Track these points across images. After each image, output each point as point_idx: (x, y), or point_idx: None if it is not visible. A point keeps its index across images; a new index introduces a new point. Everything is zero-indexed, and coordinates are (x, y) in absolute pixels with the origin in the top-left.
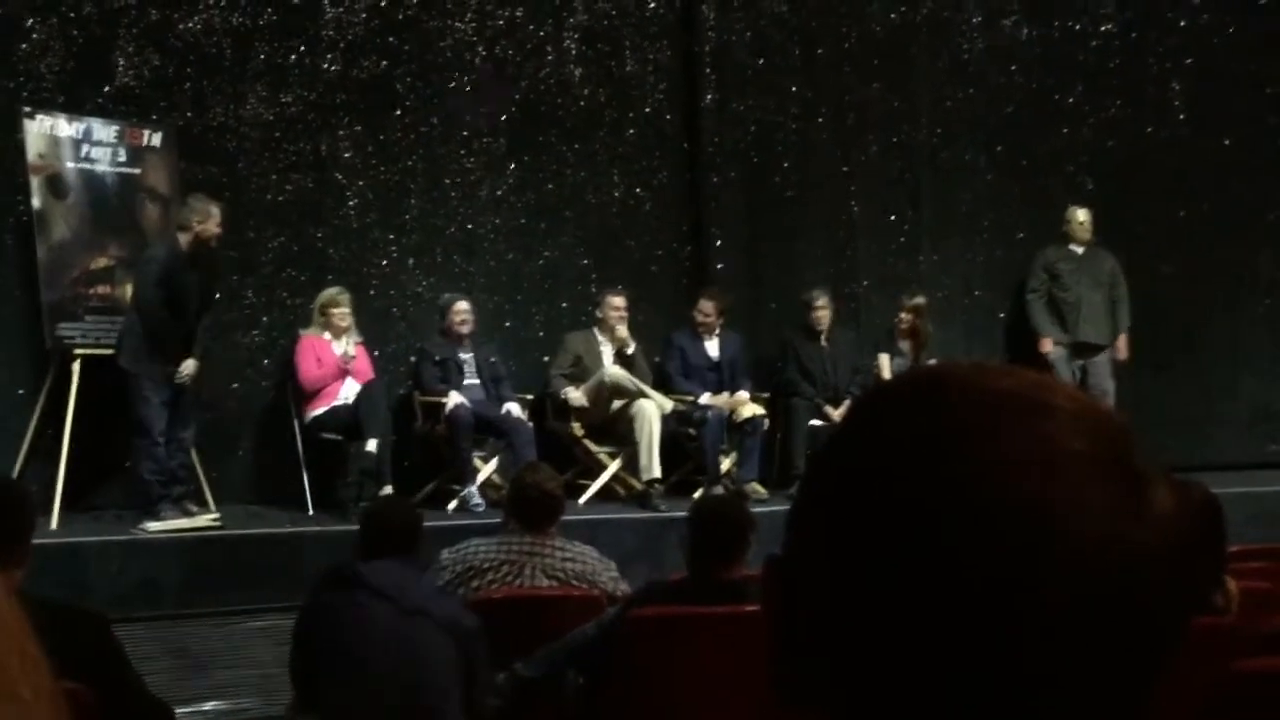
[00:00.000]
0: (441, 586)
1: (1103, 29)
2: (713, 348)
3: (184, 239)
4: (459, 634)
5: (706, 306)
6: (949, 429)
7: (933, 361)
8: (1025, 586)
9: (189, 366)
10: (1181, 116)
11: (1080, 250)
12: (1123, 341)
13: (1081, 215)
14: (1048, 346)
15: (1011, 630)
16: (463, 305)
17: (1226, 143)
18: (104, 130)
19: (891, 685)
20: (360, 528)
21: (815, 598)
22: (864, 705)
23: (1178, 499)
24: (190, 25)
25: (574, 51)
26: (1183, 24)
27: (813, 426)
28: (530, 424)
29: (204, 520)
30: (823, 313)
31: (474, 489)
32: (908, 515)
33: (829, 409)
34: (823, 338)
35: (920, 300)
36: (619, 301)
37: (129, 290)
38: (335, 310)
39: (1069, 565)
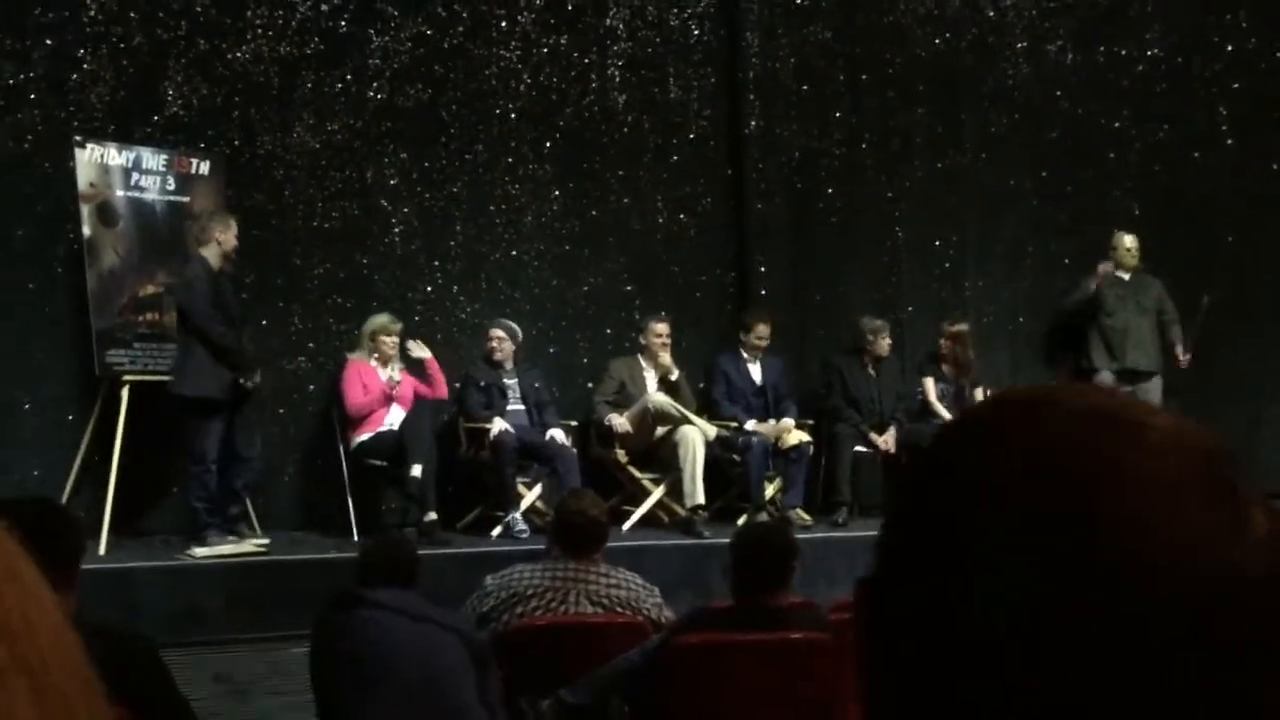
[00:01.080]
0: (485, 613)
1: (1149, 54)
2: (756, 372)
3: (211, 254)
4: (470, 645)
5: (764, 330)
6: (1046, 445)
7: (979, 388)
8: (1124, 606)
9: (257, 375)
10: (1229, 141)
11: (1126, 276)
12: (1183, 363)
13: (1129, 241)
14: (1105, 379)
15: (1110, 646)
16: (497, 332)
17: (1275, 167)
18: (153, 159)
19: (988, 702)
20: (359, 563)
21: (909, 616)
22: None
23: (1275, 522)
24: (238, 55)
25: (618, 79)
26: (1229, 48)
27: (857, 453)
28: (574, 450)
29: (250, 546)
30: (884, 343)
31: (518, 515)
32: (1003, 533)
33: (874, 435)
34: (870, 365)
35: (961, 327)
36: (662, 328)
37: (176, 319)
38: (386, 339)
39: (1168, 586)
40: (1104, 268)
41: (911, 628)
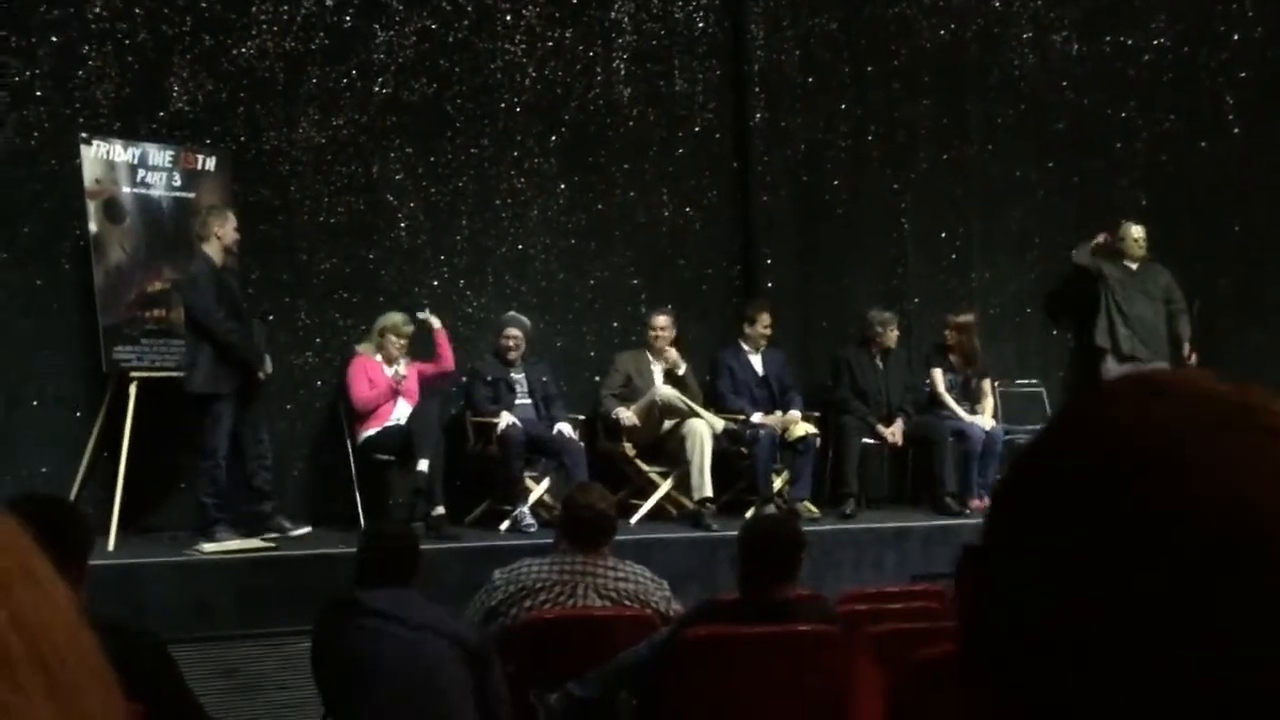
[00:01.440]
0: (493, 607)
1: (1155, 43)
2: (758, 363)
3: (212, 249)
4: (466, 649)
5: (768, 319)
6: (1170, 434)
7: (986, 379)
8: (1254, 600)
9: (268, 364)
10: (1236, 130)
11: (1134, 266)
12: (1187, 350)
13: (1136, 232)
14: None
15: (1247, 640)
16: (514, 331)
17: None
18: (159, 155)
19: (1089, 680)
20: (356, 559)
21: (1018, 587)
22: (1061, 697)
23: None
24: (243, 51)
25: (623, 72)
26: (1236, 37)
27: (865, 445)
28: (582, 444)
29: (258, 541)
30: (893, 334)
31: (526, 509)
32: (1127, 514)
33: (881, 427)
34: (877, 357)
35: (967, 318)
36: (661, 321)
37: (183, 315)
38: (396, 340)
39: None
40: (1103, 238)
41: (1019, 604)
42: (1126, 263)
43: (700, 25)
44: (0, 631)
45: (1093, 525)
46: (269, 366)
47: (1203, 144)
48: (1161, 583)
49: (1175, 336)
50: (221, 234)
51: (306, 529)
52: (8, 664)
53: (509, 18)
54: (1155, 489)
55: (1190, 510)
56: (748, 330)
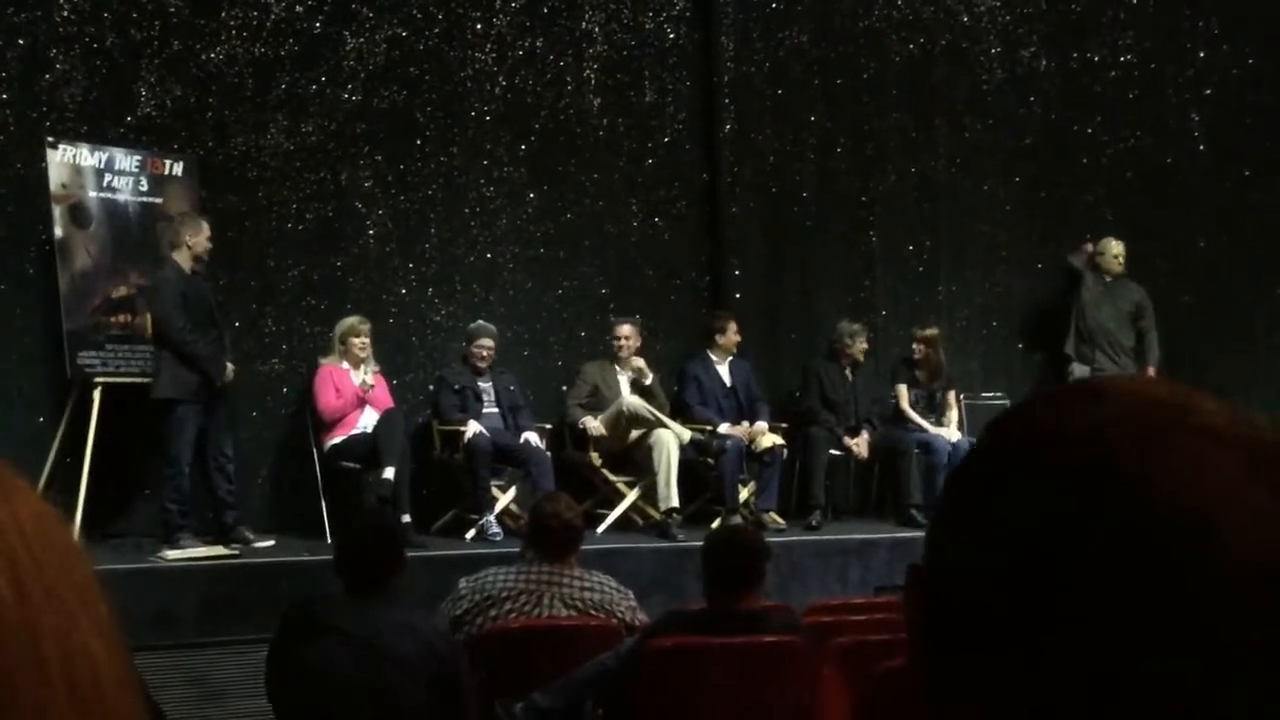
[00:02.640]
0: (459, 616)
1: (1122, 59)
2: (725, 373)
3: (182, 257)
4: (431, 669)
5: (735, 327)
6: (1104, 437)
7: (951, 391)
8: (1183, 598)
9: (231, 371)
10: (1201, 147)
11: (1108, 279)
12: (1151, 373)
13: (1116, 248)
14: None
15: (1171, 642)
16: (486, 341)
17: (1246, 173)
18: (126, 160)
19: (1043, 689)
20: (339, 547)
21: (963, 604)
22: (1014, 708)
23: None
24: (212, 56)
25: (593, 81)
26: (1202, 55)
27: (831, 456)
28: (549, 453)
29: (222, 549)
30: (861, 346)
31: (492, 518)
32: (1065, 524)
33: (847, 439)
34: (847, 369)
35: (932, 331)
36: (625, 330)
37: (150, 320)
38: (355, 340)
39: (1229, 578)
40: (1089, 247)
41: (959, 616)
42: (1104, 275)
43: (671, 36)
44: (45, 662)
45: (1029, 533)
46: (230, 375)
47: (1168, 160)
48: (1098, 583)
49: (1141, 355)
50: (193, 243)
51: (270, 541)
52: (45, 705)
53: (479, 26)
54: (1090, 493)
55: (1124, 511)
56: (718, 340)
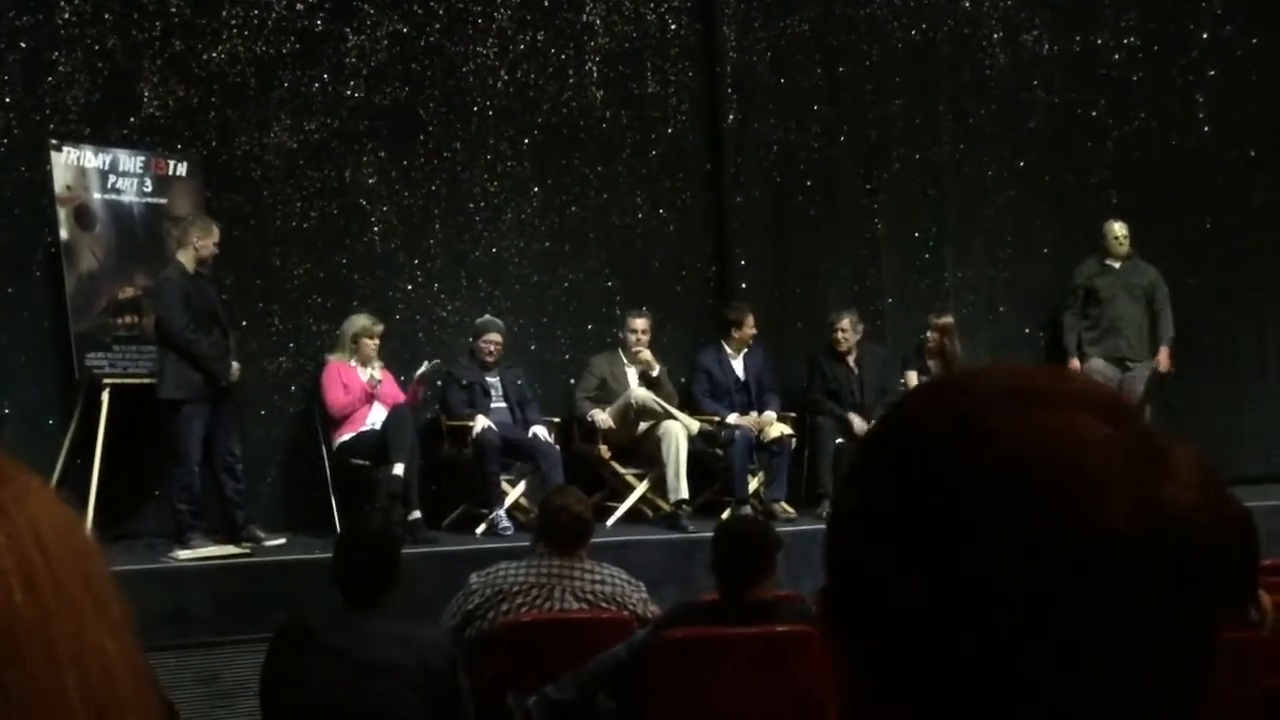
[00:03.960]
0: (470, 610)
1: (1125, 42)
2: (739, 365)
3: (187, 258)
4: (427, 683)
5: (752, 321)
6: (969, 416)
7: None
8: (1061, 550)
9: (236, 370)
10: (1206, 128)
11: (1117, 265)
12: (1164, 354)
13: (1118, 229)
14: (1074, 365)
15: (1053, 592)
16: (494, 336)
17: (1252, 153)
18: (130, 161)
19: (957, 680)
20: (335, 560)
21: (858, 614)
22: (932, 702)
23: (1198, 464)
24: (214, 55)
25: (596, 74)
26: (1205, 35)
27: (839, 445)
28: (557, 447)
29: (233, 548)
30: (844, 334)
31: (502, 512)
32: (940, 502)
33: (853, 416)
34: (850, 358)
35: (947, 319)
36: (639, 324)
37: (154, 322)
38: (369, 341)
39: (1103, 528)
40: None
41: (863, 625)
42: (1109, 261)
43: (672, 28)
44: (60, 669)
45: (915, 516)
46: (235, 374)
47: (1173, 141)
48: (987, 550)
49: (1154, 337)
50: (200, 245)
51: (281, 540)
52: (59, 709)
53: (481, 21)
54: (968, 466)
55: (1003, 475)
56: (735, 334)
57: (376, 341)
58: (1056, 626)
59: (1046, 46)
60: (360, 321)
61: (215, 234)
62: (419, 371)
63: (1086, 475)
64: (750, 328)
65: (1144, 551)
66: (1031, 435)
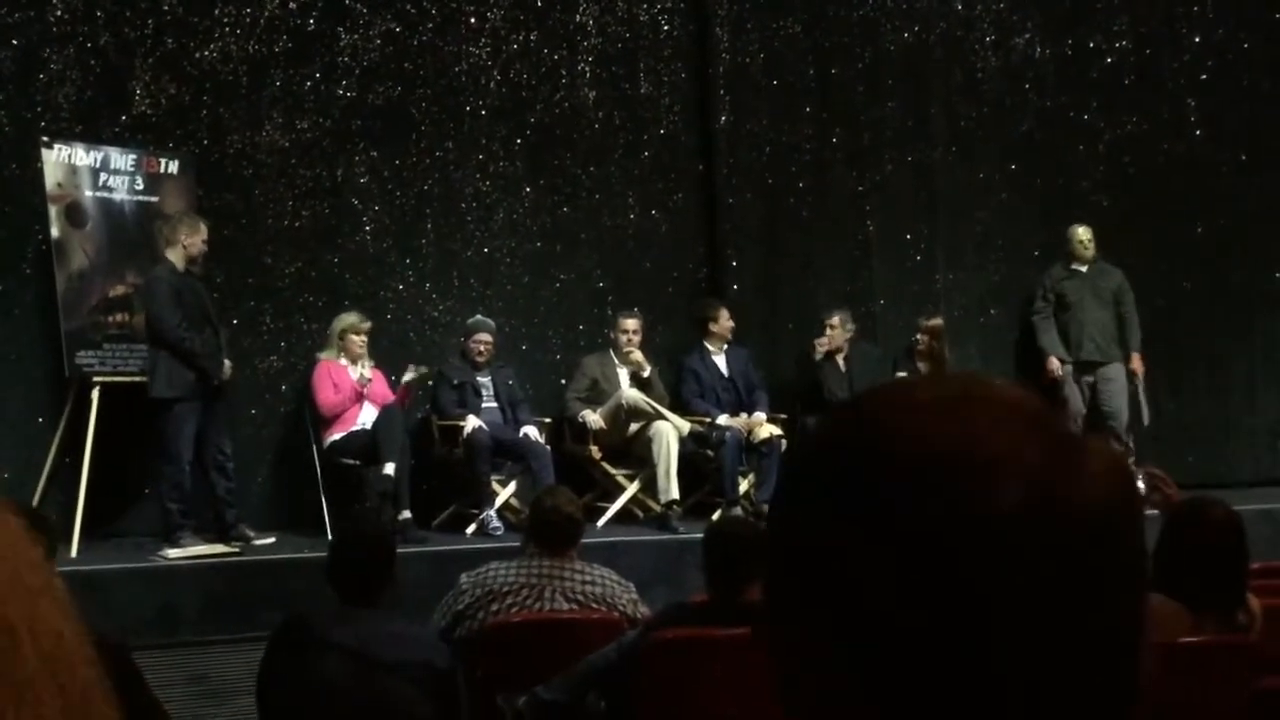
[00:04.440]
0: (460, 611)
1: (1117, 45)
2: (722, 363)
3: (176, 256)
4: (430, 681)
5: (724, 314)
6: (877, 421)
7: None
8: (969, 538)
9: (228, 368)
10: (1198, 133)
11: (1084, 269)
12: (1136, 359)
13: (1083, 234)
14: (1054, 366)
15: (959, 585)
16: (484, 336)
17: (1243, 158)
18: (121, 159)
19: (883, 680)
20: (329, 560)
21: (786, 616)
22: (868, 702)
23: (1108, 462)
24: (206, 53)
25: (588, 75)
26: (1197, 40)
27: None
28: (548, 447)
29: (222, 547)
30: (833, 333)
31: (492, 512)
32: (860, 494)
33: None
34: (840, 358)
35: (937, 322)
36: (631, 324)
37: (145, 320)
38: (355, 337)
39: (1008, 520)
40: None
41: (791, 629)
42: (1075, 266)
43: (665, 28)
44: (21, 646)
45: (845, 513)
46: (227, 373)
47: (1164, 146)
48: (911, 544)
49: (1124, 341)
50: (189, 244)
51: (271, 539)
52: (26, 680)
53: (473, 21)
54: (890, 460)
55: (925, 468)
56: (713, 329)
57: (363, 338)
58: (960, 614)
59: (1038, 50)
60: (347, 319)
61: (203, 232)
62: (405, 378)
63: (979, 457)
64: (726, 321)
65: (1033, 535)
66: (938, 430)
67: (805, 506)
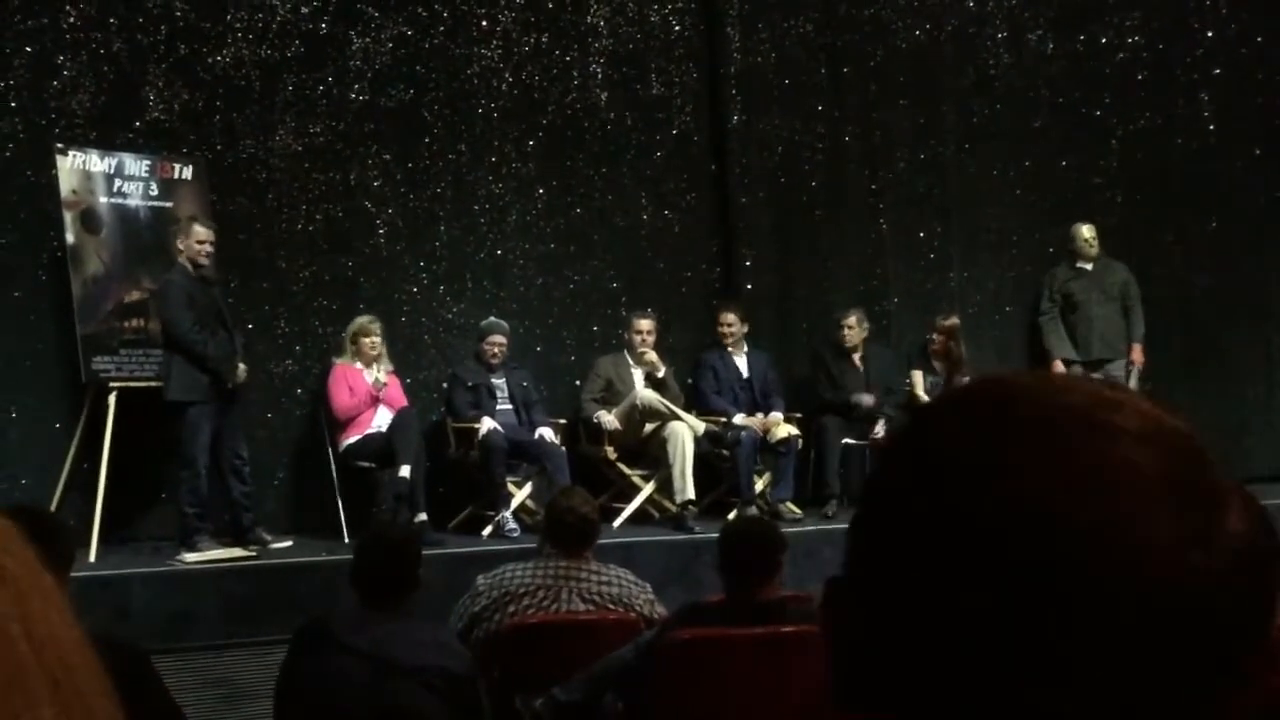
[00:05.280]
0: (477, 613)
1: (1130, 41)
2: (743, 364)
3: (186, 260)
4: (448, 687)
5: (729, 318)
6: (1010, 446)
7: (965, 379)
8: (1088, 610)
9: (243, 372)
10: (1211, 128)
11: (1089, 266)
12: (1137, 351)
13: (1086, 232)
14: (1059, 368)
15: (1076, 650)
16: (498, 338)
17: (1257, 153)
18: (135, 165)
19: (956, 699)
20: (354, 563)
21: (879, 615)
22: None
23: (1249, 515)
24: (219, 59)
25: (600, 75)
26: (1210, 35)
27: (846, 445)
28: (563, 448)
29: (239, 551)
30: (851, 331)
31: (508, 514)
32: (972, 534)
33: (861, 396)
34: (855, 356)
35: (953, 321)
36: (644, 325)
37: (160, 325)
38: (366, 340)
39: (1132, 591)
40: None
41: (876, 627)
42: (1081, 264)
43: (676, 28)
44: (14, 643)
45: (944, 550)
46: (242, 376)
47: (1178, 141)
48: (1008, 596)
49: (1127, 334)
50: (184, 247)
51: (288, 542)
52: (20, 677)
53: (485, 23)
54: (999, 509)
55: (1050, 533)
56: (720, 331)
57: (375, 339)
58: (1077, 670)
59: (1051, 46)
60: (358, 321)
61: (199, 234)
62: None
63: (1120, 533)
64: (731, 324)
65: (1164, 615)
66: (1071, 477)
67: (913, 521)
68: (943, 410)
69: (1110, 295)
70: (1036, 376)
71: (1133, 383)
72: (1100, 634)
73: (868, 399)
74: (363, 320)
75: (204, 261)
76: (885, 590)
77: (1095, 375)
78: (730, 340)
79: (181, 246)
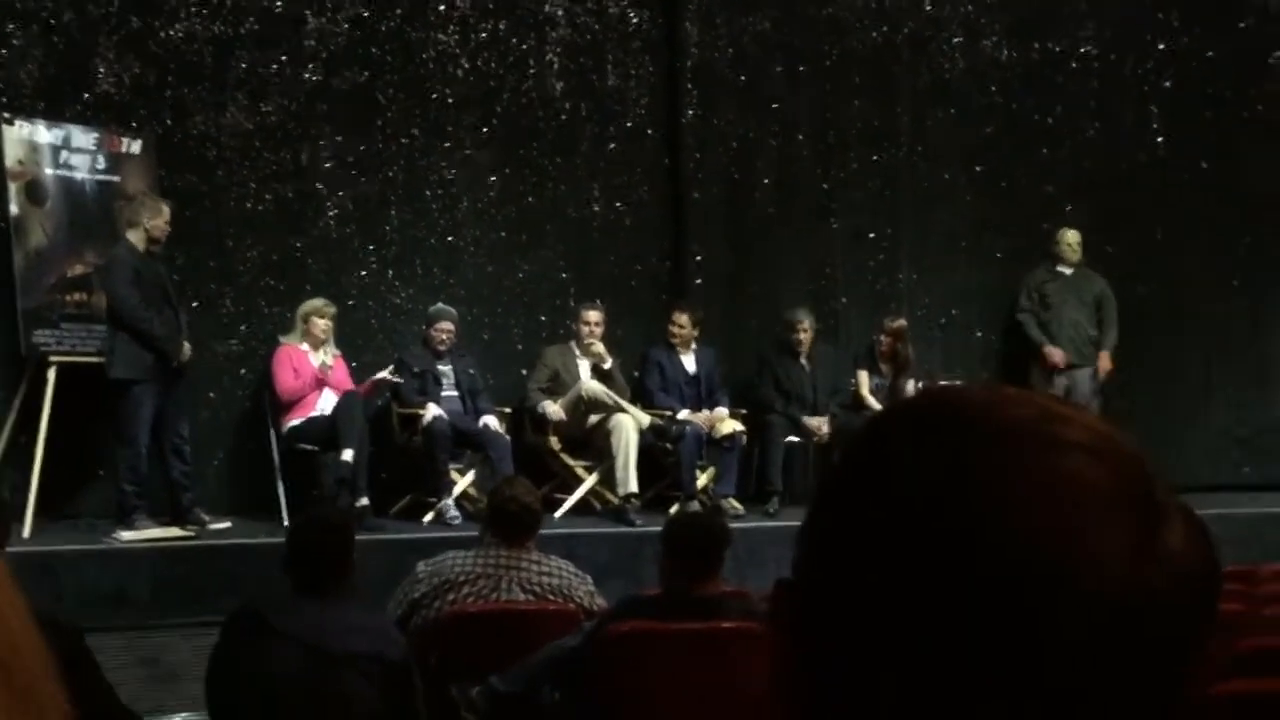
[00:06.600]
0: (416, 599)
1: (1082, 50)
2: (690, 362)
3: (137, 237)
4: (384, 673)
5: (681, 319)
6: (965, 459)
7: (914, 384)
8: (1040, 621)
9: (188, 350)
10: (1159, 139)
11: (1068, 271)
12: (1104, 358)
13: (1071, 237)
14: (1055, 355)
15: (1027, 659)
16: (446, 325)
17: (1204, 165)
18: (83, 137)
19: (908, 705)
20: (287, 546)
21: (829, 620)
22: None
23: (1191, 532)
24: (171, 33)
25: (556, 65)
26: (1161, 46)
27: (789, 443)
28: (508, 437)
29: (177, 530)
30: (805, 334)
31: (450, 501)
32: (927, 544)
33: (806, 419)
34: (802, 356)
35: (901, 323)
36: (593, 316)
37: (104, 300)
38: (319, 321)
39: (1083, 604)
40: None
41: (825, 631)
42: (1060, 268)
43: (634, 21)
44: None
45: (895, 558)
46: (186, 355)
47: (1127, 151)
48: (958, 606)
49: (1097, 343)
50: (150, 225)
51: (226, 524)
52: None
53: (442, 8)
54: (950, 519)
55: (996, 546)
56: (670, 329)
57: (327, 322)
58: (1027, 682)
59: (1005, 53)
60: (313, 302)
61: (166, 213)
62: (378, 376)
63: (1070, 547)
64: (683, 326)
65: (1113, 624)
66: (1022, 490)
67: (867, 530)
68: (897, 420)
69: (1084, 302)
70: (989, 389)
71: (1090, 387)
72: (1049, 646)
73: (815, 422)
74: (317, 302)
75: (161, 239)
76: (837, 596)
77: (1062, 380)
78: (679, 340)
79: (147, 225)
